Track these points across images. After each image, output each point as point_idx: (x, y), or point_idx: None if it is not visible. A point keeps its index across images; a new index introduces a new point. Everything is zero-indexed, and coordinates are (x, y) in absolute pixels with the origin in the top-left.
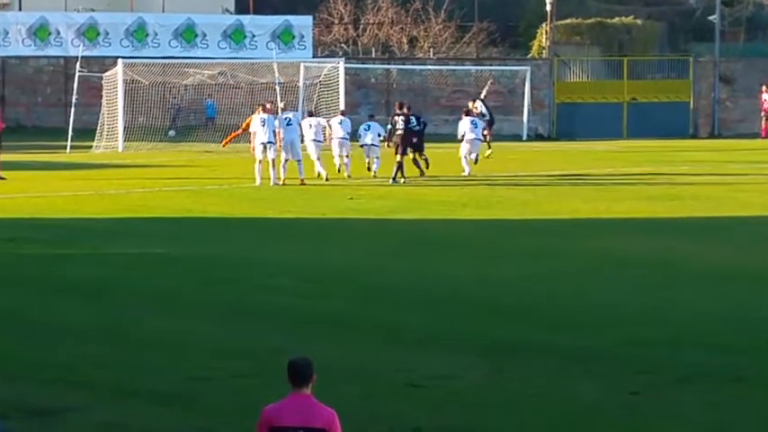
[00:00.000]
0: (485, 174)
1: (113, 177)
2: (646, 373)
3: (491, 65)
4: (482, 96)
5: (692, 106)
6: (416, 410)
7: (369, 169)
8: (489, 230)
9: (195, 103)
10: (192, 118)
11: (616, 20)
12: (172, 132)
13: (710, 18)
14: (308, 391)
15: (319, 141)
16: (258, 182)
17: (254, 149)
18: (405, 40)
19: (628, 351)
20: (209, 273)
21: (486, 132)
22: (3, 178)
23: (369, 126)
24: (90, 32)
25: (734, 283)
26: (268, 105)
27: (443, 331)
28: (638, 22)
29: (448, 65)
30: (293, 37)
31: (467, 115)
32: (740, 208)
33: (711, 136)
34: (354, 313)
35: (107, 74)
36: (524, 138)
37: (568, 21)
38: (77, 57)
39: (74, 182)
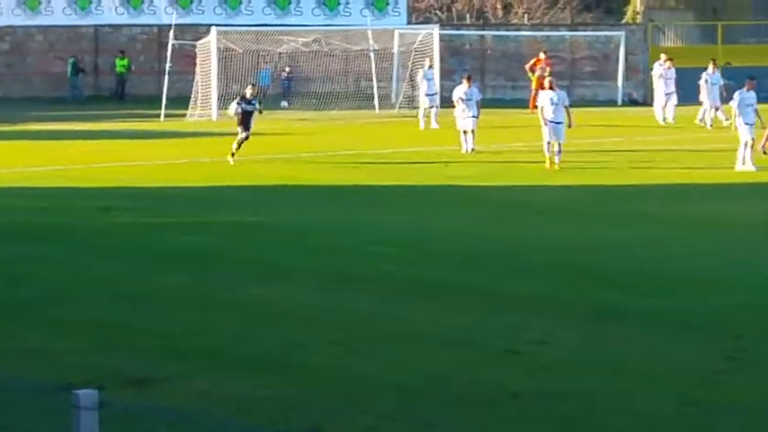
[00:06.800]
0: (578, 139)
1: (207, 145)
2: (745, 338)
3: (585, 30)
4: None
5: None
6: (515, 376)
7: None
8: (585, 196)
9: (296, 70)
10: (289, 86)
11: None
12: (284, 103)
13: None
14: None
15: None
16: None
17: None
18: (499, 6)
19: (728, 315)
20: (306, 241)
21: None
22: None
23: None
24: (183, 0)
25: None
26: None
27: (543, 297)
28: None
29: (542, 31)
30: (387, 3)
31: None
32: None
33: None
34: (453, 280)
35: (200, 42)
36: (619, 103)
37: None
38: (171, 25)
39: (168, 150)
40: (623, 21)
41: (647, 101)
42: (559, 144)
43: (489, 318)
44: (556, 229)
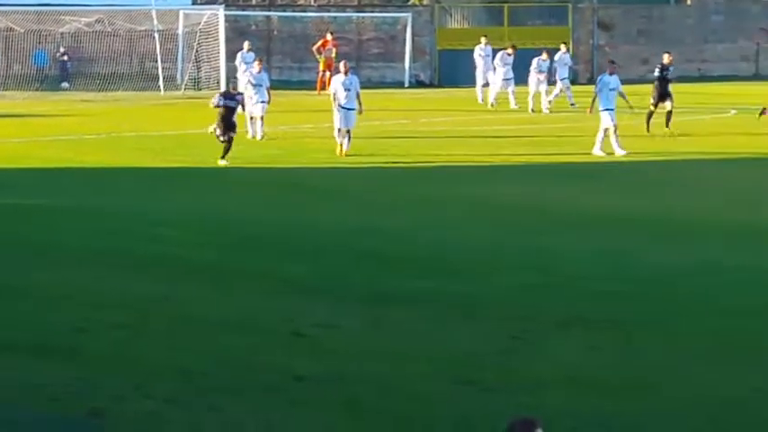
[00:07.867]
0: (366, 121)
1: None
2: (525, 319)
3: (372, 11)
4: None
5: (571, 53)
6: (298, 359)
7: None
8: (369, 179)
9: (79, 51)
10: (69, 67)
11: None
12: (65, 84)
13: None
14: None
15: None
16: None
17: None
18: None
19: (509, 297)
20: (89, 223)
21: None
22: None
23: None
24: None
25: (606, 228)
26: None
27: (326, 281)
28: None
29: (329, 11)
30: None
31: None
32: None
33: (591, 82)
34: (237, 263)
35: None
36: (406, 85)
37: None
38: None
39: None
40: (410, 2)
41: (433, 82)
42: (348, 130)
43: (272, 301)
44: (337, 213)
